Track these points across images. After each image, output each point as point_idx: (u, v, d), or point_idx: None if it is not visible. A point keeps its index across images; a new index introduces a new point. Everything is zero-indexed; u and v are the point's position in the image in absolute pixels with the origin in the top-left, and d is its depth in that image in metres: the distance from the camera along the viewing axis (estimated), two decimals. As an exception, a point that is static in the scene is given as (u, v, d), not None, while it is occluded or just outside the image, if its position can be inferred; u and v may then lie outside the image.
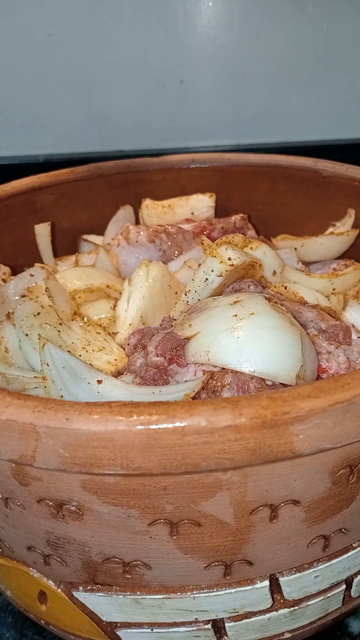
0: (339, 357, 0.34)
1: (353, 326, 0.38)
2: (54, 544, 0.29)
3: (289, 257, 0.49)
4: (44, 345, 0.33)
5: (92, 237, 0.57)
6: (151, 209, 0.56)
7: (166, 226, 0.50)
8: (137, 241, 0.48)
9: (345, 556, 0.31)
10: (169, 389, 0.31)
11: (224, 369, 0.32)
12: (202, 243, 0.44)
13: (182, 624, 0.31)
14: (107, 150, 0.95)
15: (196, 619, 0.31)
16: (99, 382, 0.31)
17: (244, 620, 0.31)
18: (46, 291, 0.40)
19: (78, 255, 0.52)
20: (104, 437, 0.22)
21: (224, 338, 0.31)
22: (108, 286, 0.44)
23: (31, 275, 0.42)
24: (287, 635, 0.33)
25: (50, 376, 0.32)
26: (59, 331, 0.38)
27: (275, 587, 0.31)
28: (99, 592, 0.30)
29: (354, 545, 0.32)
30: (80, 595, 0.31)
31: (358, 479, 0.27)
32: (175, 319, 0.38)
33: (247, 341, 0.31)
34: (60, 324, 0.39)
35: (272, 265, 0.42)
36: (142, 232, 0.48)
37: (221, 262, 0.37)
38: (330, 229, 0.54)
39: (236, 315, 0.32)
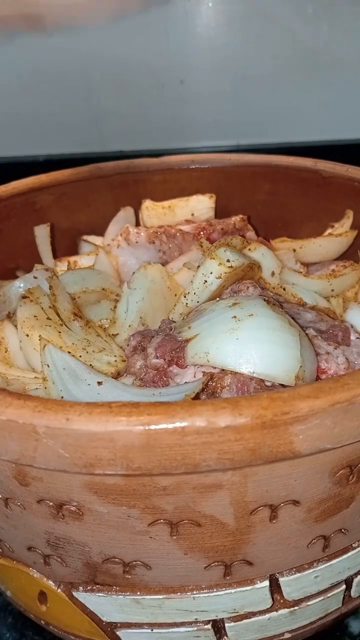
0: (338, 358, 0.34)
1: (352, 327, 0.38)
2: (54, 544, 0.29)
3: (288, 258, 0.49)
4: (44, 347, 0.33)
5: (92, 238, 0.57)
6: (151, 210, 0.56)
7: (166, 227, 0.50)
8: (137, 242, 0.48)
9: (345, 556, 0.31)
10: (169, 390, 0.31)
11: (223, 370, 0.32)
12: (201, 245, 0.44)
13: (182, 624, 0.31)
14: (107, 151, 0.95)
15: (196, 619, 0.31)
16: (99, 383, 0.31)
17: (244, 621, 0.32)
18: (50, 290, 0.40)
19: (73, 258, 0.52)
20: (104, 437, 0.22)
21: (223, 339, 0.31)
22: (104, 289, 0.45)
23: (35, 278, 0.42)
24: (287, 635, 0.33)
25: (50, 377, 0.32)
26: (60, 332, 0.38)
27: (275, 587, 0.31)
28: (99, 592, 0.31)
29: (354, 545, 0.32)
30: (80, 596, 0.31)
31: (358, 479, 0.27)
32: (174, 321, 0.38)
33: (246, 342, 0.31)
34: (61, 324, 0.39)
35: (271, 267, 0.43)
36: (142, 233, 0.48)
37: (220, 264, 0.37)
38: (329, 231, 0.54)
39: (235, 317, 0.32)
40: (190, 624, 0.31)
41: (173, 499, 0.25)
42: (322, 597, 0.33)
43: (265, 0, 0.88)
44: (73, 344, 0.37)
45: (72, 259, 0.53)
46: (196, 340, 0.33)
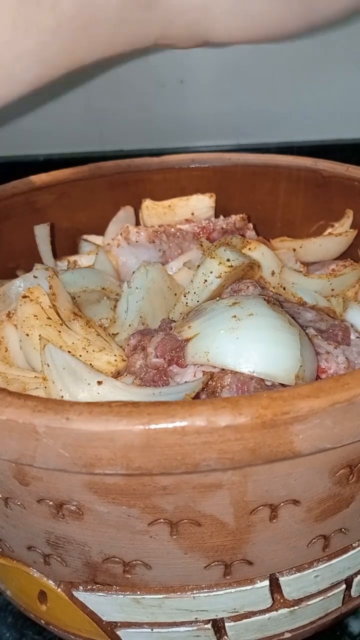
0: (338, 357, 0.34)
1: (352, 326, 0.38)
2: (54, 543, 0.29)
3: (288, 257, 0.49)
4: (44, 346, 0.33)
5: (92, 237, 0.57)
6: (151, 209, 0.56)
7: (166, 227, 0.50)
8: (137, 242, 0.48)
9: (345, 556, 0.31)
10: (169, 389, 0.31)
11: (223, 369, 0.32)
12: (201, 245, 0.44)
13: (182, 623, 0.31)
14: (107, 150, 0.95)
15: (196, 618, 0.31)
16: (99, 383, 0.31)
17: (244, 620, 0.32)
18: (50, 289, 0.40)
19: (73, 258, 0.52)
20: (104, 437, 0.22)
21: (223, 339, 0.31)
22: (104, 289, 0.45)
23: (35, 277, 0.42)
24: (287, 635, 0.33)
25: (50, 377, 0.32)
26: (60, 331, 0.38)
27: (275, 587, 0.31)
28: (99, 592, 0.31)
29: (354, 545, 0.32)
30: (80, 595, 0.31)
31: (358, 478, 0.27)
32: (174, 320, 0.38)
33: (246, 342, 0.31)
34: (61, 324, 0.39)
35: (271, 266, 0.43)
36: (142, 233, 0.48)
37: (220, 263, 0.37)
38: (329, 230, 0.54)
39: (235, 316, 0.32)
40: (190, 623, 0.31)
41: (173, 499, 0.25)
42: (322, 597, 0.33)
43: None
44: (73, 343, 0.37)
45: (72, 258, 0.53)
46: (196, 339, 0.33)
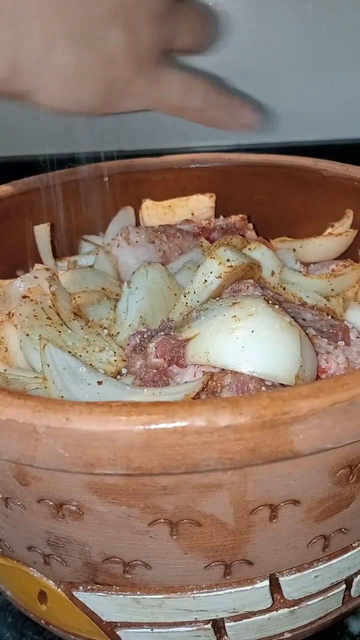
0: (338, 357, 0.34)
1: (352, 326, 0.38)
2: (54, 543, 0.29)
3: (288, 257, 0.49)
4: (44, 346, 0.33)
5: (92, 238, 0.57)
6: (151, 209, 0.56)
7: (166, 227, 0.50)
8: (137, 242, 0.48)
9: (345, 556, 0.31)
10: (169, 390, 0.31)
11: (223, 369, 0.32)
12: (201, 245, 0.44)
13: (182, 623, 0.31)
14: (107, 150, 0.95)
15: (196, 618, 0.31)
16: (100, 383, 0.31)
17: (244, 620, 0.32)
18: (50, 289, 0.40)
19: (73, 258, 0.52)
20: (104, 437, 0.22)
21: (223, 339, 0.31)
22: (104, 289, 0.45)
23: (35, 277, 0.42)
24: (287, 635, 0.33)
25: (50, 377, 0.32)
26: (60, 332, 0.38)
27: (275, 587, 0.31)
28: (99, 592, 0.31)
29: (354, 545, 0.32)
30: (80, 595, 0.31)
31: (358, 478, 0.27)
32: (174, 321, 0.38)
33: (246, 342, 0.31)
34: (61, 324, 0.39)
35: (271, 266, 0.43)
36: (142, 233, 0.48)
37: (220, 263, 0.37)
38: (329, 230, 0.54)
39: (235, 317, 0.32)
40: (190, 623, 0.31)
41: (173, 499, 0.25)
42: (322, 597, 0.33)
43: (265, 1, 0.88)
44: (73, 343, 0.38)
45: (72, 258, 0.53)
46: (196, 339, 0.33)
